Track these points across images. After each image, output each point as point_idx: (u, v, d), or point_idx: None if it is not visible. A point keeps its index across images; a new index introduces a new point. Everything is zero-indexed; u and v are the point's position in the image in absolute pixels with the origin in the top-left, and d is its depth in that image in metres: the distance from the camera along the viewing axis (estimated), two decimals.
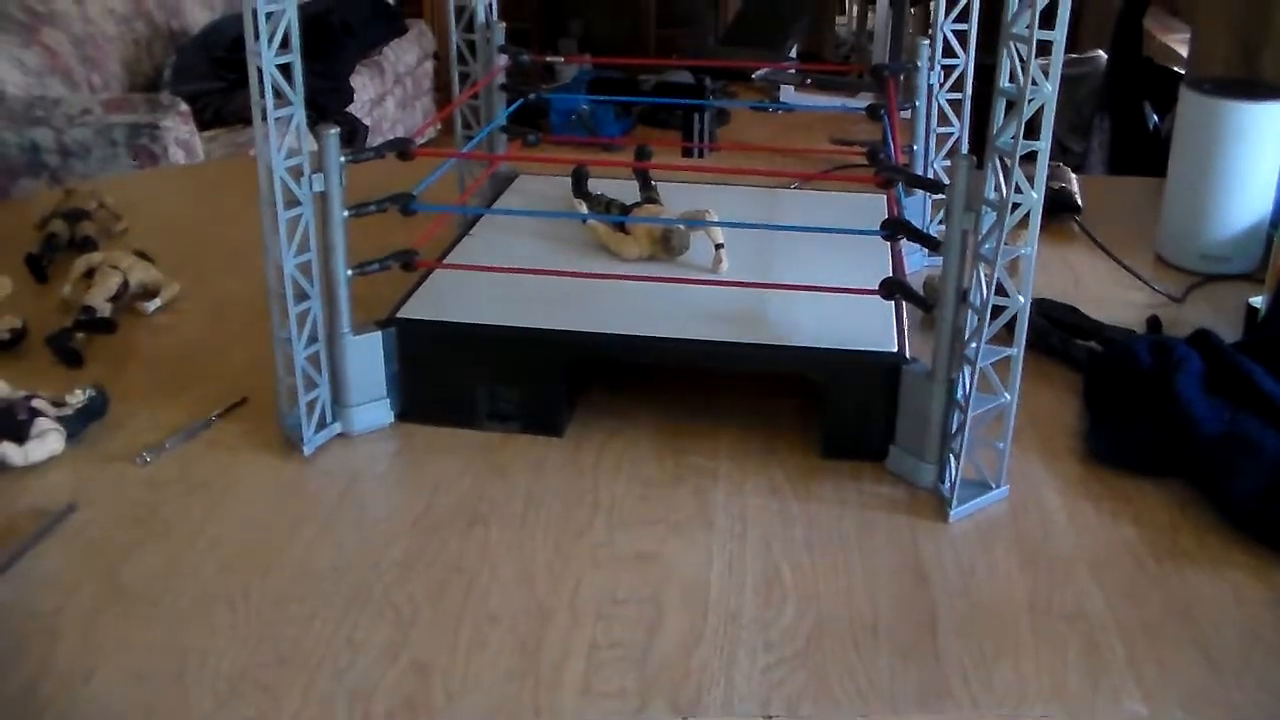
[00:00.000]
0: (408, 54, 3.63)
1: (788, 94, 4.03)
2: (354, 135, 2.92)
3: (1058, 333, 0.99)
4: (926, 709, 0.63)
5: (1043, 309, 1.01)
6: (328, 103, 2.87)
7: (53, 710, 0.63)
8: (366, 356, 0.86)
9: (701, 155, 1.71)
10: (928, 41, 1.05)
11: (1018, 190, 0.72)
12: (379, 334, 0.86)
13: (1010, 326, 0.76)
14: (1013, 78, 0.71)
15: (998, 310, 0.75)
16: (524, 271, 0.91)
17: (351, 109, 3.02)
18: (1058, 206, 1.27)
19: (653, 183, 1.07)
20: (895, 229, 0.83)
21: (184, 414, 0.90)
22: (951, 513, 0.78)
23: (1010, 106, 0.71)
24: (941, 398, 0.79)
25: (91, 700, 0.63)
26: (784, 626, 0.69)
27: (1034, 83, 0.69)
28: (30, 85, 2.41)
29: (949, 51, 1.04)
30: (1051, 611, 0.70)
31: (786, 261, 0.98)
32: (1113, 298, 1.10)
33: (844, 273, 0.91)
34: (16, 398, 0.85)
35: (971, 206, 0.75)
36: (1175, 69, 2.59)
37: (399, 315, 0.88)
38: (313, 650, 0.67)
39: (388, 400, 0.88)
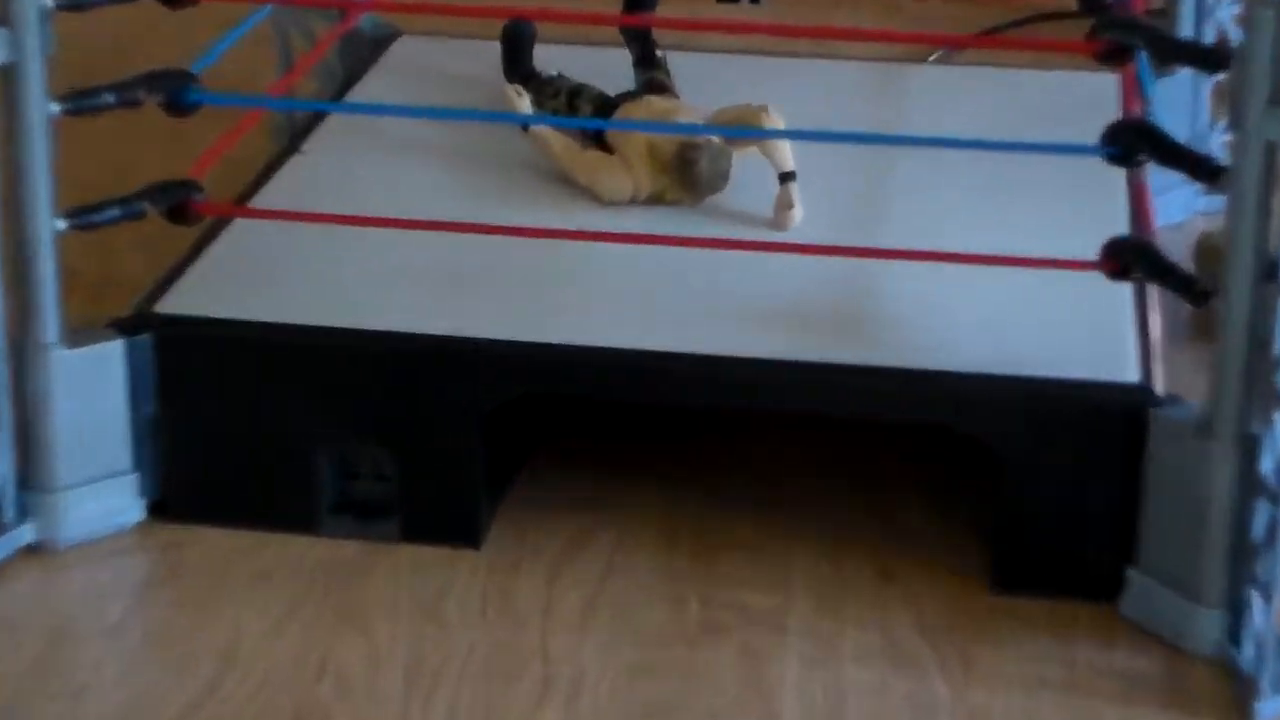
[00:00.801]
0: None
1: None
2: None
3: None
4: None
5: None
6: None
7: None
8: (91, 389, 0.85)
9: (757, 1, 1.74)
10: None
11: None
12: (118, 345, 0.85)
13: None
14: None
15: None
16: (410, 225, 0.91)
17: None
18: None
19: (659, 54, 1.07)
20: (1134, 142, 0.83)
21: None
22: (1259, 707, 0.75)
23: None
24: (1231, 473, 0.77)
25: None
26: None
27: None
28: None
29: None
30: None
31: (914, 208, 0.98)
32: None
33: (1028, 228, 0.91)
34: None
35: None
36: None
37: (158, 310, 0.88)
38: None
39: (133, 477, 0.87)
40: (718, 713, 0.77)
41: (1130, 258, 0.82)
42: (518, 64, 1.08)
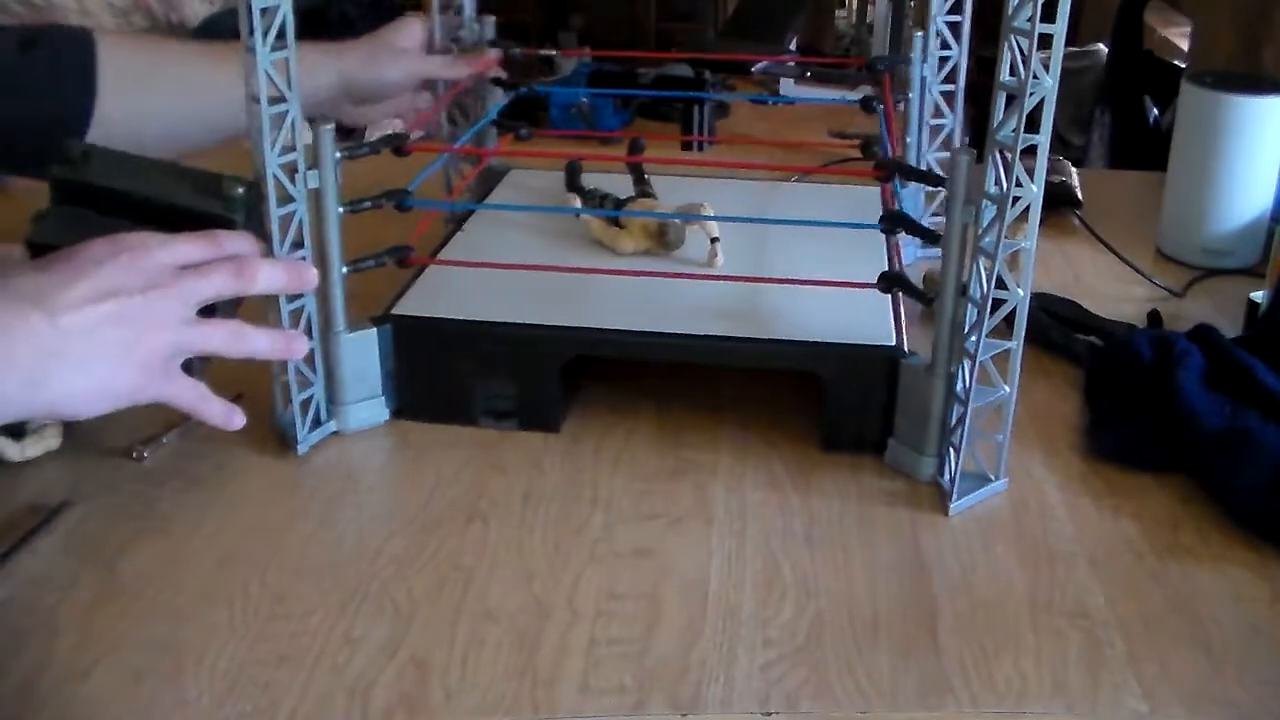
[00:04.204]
0: None
1: (787, 87, 4.02)
2: (352, 129, 2.92)
3: (1058, 327, 0.99)
4: (926, 705, 0.63)
5: (1043, 303, 1.01)
6: None
7: (50, 707, 0.63)
8: (361, 353, 0.85)
9: (701, 149, 1.70)
10: (922, 34, 1.05)
11: (1018, 184, 0.72)
12: (373, 331, 0.85)
13: (1010, 320, 0.76)
14: (1013, 71, 0.71)
15: (997, 303, 0.75)
16: (518, 267, 0.90)
17: None
18: (1058, 200, 1.27)
19: (647, 176, 1.06)
20: (893, 223, 0.83)
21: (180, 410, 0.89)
22: (952, 506, 0.78)
23: (1010, 100, 0.71)
24: (941, 391, 0.79)
25: (89, 697, 0.63)
26: (783, 622, 0.69)
27: (1035, 76, 0.69)
28: None
29: (944, 44, 1.04)
30: (1052, 608, 0.70)
31: (783, 255, 0.97)
32: (1113, 292, 1.10)
33: (842, 266, 0.90)
34: None
35: (971, 200, 0.75)
36: (1176, 63, 2.59)
37: (392, 311, 0.88)
38: (310, 647, 0.67)
39: (382, 398, 0.87)
40: (682, 516, 0.77)
41: (891, 282, 0.83)
42: (573, 182, 1.07)
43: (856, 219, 0.85)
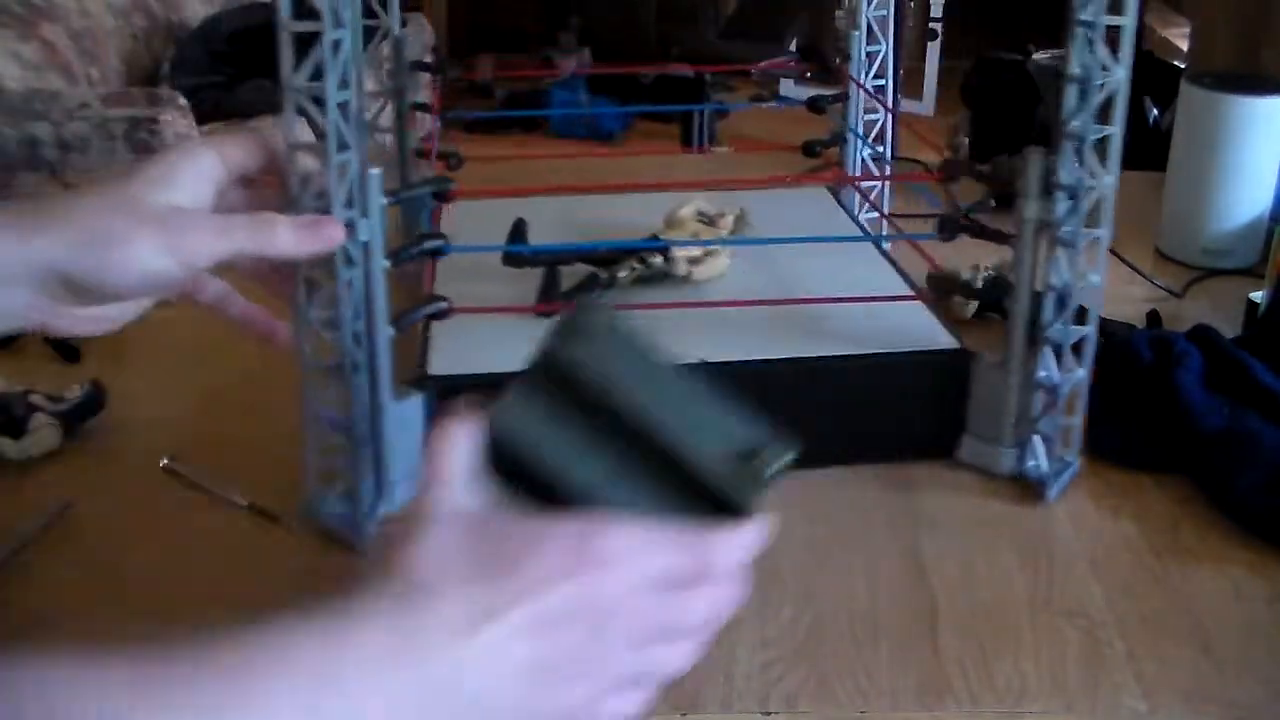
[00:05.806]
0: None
1: (787, 88, 4.03)
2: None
3: None
4: (926, 705, 0.63)
5: None
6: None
7: None
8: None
9: (703, 148, 1.70)
10: (855, 32, 1.04)
11: (1091, 175, 0.75)
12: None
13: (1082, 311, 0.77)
14: (1082, 64, 0.73)
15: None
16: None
17: None
18: None
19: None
20: (953, 228, 0.81)
21: (186, 411, 0.89)
22: (1051, 493, 0.79)
23: (1083, 92, 0.74)
24: (1018, 383, 0.78)
25: None
26: (783, 622, 0.69)
27: (1104, 68, 0.72)
28: (28, 79, 2.40)
29: (872, 38, 1.05)
30: (1051, 608, 0.70)
31: (790, 270, 0.92)
32: (1113, 292, 1.08)
33: (847, 274, 0.88)
34: (13, 393, 0.85)
35: (1041, 196, 0.76)
36: (1175, 64, 2.59)
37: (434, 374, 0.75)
38: None
39: None
40: None
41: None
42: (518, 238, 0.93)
43: (818, 220, 0.85)
